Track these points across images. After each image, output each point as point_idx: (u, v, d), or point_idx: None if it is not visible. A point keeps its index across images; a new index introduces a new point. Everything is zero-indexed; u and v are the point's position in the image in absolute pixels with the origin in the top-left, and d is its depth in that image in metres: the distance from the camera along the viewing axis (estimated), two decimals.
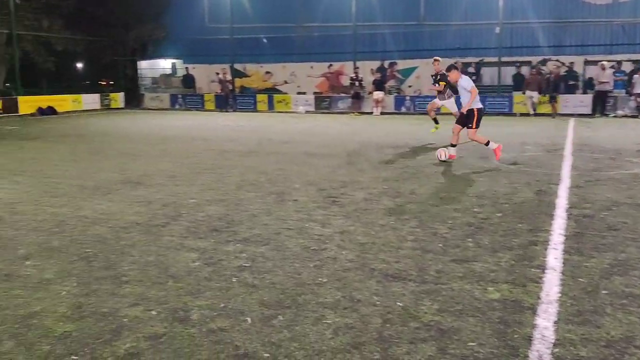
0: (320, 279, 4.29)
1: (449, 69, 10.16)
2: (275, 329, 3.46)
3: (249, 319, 3.59)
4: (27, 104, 25.28)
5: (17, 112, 24.65)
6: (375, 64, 25.77)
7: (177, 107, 29.68)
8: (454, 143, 10.24)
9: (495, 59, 24.79)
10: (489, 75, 25.62)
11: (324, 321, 3.56)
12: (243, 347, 3.24)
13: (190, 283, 4.24)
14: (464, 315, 3.65)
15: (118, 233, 5.63)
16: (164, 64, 33.23)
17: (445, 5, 26.00)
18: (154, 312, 3.71)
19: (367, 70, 25.38)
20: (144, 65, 33.23)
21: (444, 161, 10.04)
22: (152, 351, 3.18)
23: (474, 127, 9.74)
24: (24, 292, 4.09)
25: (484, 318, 3.61)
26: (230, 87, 28.44)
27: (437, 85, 13.07)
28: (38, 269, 4.60)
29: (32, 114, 24.80)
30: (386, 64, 26.46)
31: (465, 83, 9.74)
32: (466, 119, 9.80)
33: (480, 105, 9.87)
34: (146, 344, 3.26)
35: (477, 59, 25.45)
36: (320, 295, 3.97)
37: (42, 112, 25.18)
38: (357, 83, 25.20)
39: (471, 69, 24.85)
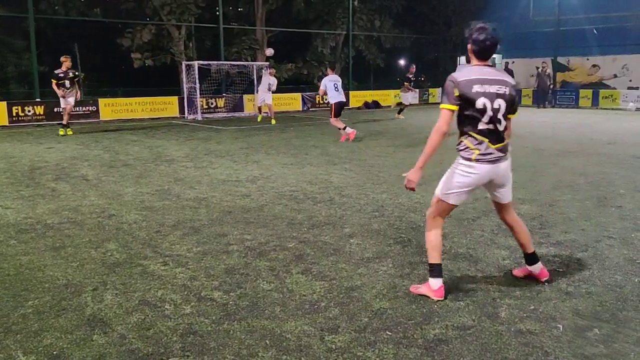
0: None
1: None
2: (590, 342, 3.23)
3: (560, 327, 3.42)
4: (356, 98, 27.91)
5: (347, 105, 27.41)
6: None
7: None
8: None
9: None
10: None
11: None
12: (553, 354, 3.10)
13: (500, 280, 4.21)
14: None
15: None
16: None
17: None
18: (462, 303, 3.79)
19: None
20: (463, 61, 33.69)
21: None
22: (460, 341, 3.27)
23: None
24: (347, 267, 4.58)
25: None
26: (550, 82, 26.93)
27: None
28: (360, 247, 5.10)
29: (359, 107, 27.31)
30: None
31: None
32: None
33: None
34: (454, 333, 3.36)
35: None
36: None
37: (367, 105, 27.53)
38: None
39: None
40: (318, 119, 21.35)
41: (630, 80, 25.64)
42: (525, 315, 3.59)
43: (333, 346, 3.24)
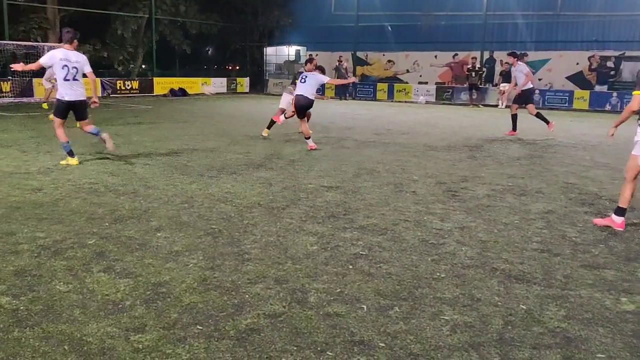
0: (438, 274, 4.20)
1: None
2: (391, 319, 3.44)
3: (364, 307, 3.59)
4: (161, 85, 26.95)
5: (151, 92, 26.38)
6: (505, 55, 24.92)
7: None
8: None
9: (638, 53, 22.97)
10: (629, 70, 23.77)
11: (442, 317, 3.48)
12: (359, 334, 3.24)
13: (308, 266, 4.31)
14: (593, 324, 3.41)
15: (242, 212, 5.85)
16: (289, 51, 34.06)
17: None
18: (272, 291, 3.81)
19: (498, 61, 24.61)
20: (269, 51, 34.27)
21: None
22: (271, 329, 3.27)
23: None
24: (155, 262, 4.36)
25: (615, 329, 3.36)
26: (348, 75, 28.59)
27: None
28: (168, 240, 4.89)
29: (164, 95, 26.42)
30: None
31: None
32: None
33: None
34: (266, 322, 3.36)
35: (617, 53, 23.70)
36: (439, 290, 3.89)
37: (174, 93, 26.74)
38: (473, 74, 24.38)
39: (610, 63, 23.34)
40: (120, 105, 20.22)
41: (421, 76, 28.23)
42: (332, 298, 3.72)
43: (140, 346, 3.05)
